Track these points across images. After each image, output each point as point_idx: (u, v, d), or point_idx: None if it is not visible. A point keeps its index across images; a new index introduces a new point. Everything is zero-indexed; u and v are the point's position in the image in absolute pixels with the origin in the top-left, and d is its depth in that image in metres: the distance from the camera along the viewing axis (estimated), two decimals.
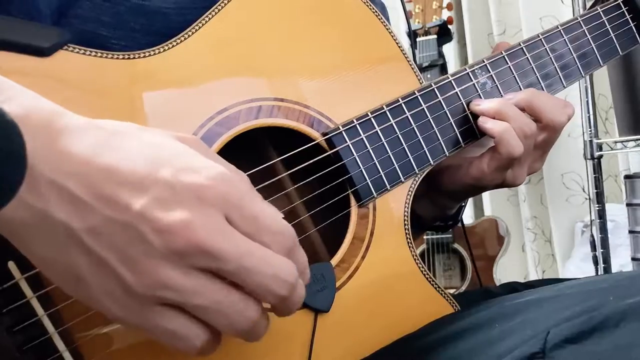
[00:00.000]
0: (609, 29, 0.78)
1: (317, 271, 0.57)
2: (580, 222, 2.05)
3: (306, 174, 0.60)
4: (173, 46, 0.56)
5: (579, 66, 0.75)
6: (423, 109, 0.66)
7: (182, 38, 0.56)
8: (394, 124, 0.64)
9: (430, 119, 0.66)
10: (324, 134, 0.61)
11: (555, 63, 0.74)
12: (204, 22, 0.58)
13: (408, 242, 0.63)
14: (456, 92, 0.68)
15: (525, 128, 0.66)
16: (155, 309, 0.39)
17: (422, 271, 0.63)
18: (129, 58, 0.53)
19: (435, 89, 0.67)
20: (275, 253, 0.40)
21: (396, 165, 0.63)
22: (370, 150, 0.62)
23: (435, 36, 1.93)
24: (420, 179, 0.65)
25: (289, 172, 0.61)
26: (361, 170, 0.61)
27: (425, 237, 2.06)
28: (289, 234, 0.42)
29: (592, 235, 1.82)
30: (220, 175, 0.40)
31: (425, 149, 0.65)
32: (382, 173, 0.62)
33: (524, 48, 0.72)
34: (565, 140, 1.95)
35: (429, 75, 1.86)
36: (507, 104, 0.67)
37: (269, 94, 0.59)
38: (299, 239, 0.61)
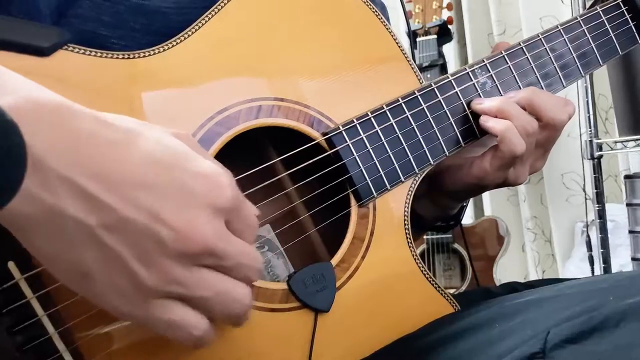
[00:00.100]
0: (609, 28, 0.78)
1: (317, 271, 0.57)
2: (580, 222, 2.05)
3: (306, 173, 0.60)
4: (173, 46, 0.56)
5: (579, 66, 0.75)
6: (423, 108, 0.66)
7: (182, 38, 0.56)
8: (394, 124, 0.64)
9: (430, 119, 0.66)
10: (324, 134, 0.61)
11: (555, 63, 0.74)
12: (203, 21, 0.58)
13: (408, 242, 0.63)
14: (456, 92, 0.68)
15: (527, 126, 0.66)
16: (158, 302, 0.41)
17: (422, 271, 0.63)
18: (128, 58, 0.53)
19: (435, 89, 0.67)
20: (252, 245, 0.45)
21: (396, 165, 0.63)
22: (370, 150, 0.62)
23: (435, 36, 1.93)
24: (421, 178, 0.65)
25: (288, 172, 0.61)
26: (361, 170, 0.61)
27: (425, 237, 2.06)
28: (257, 225, 0.47)
29: (587, 236, 1.83)
30: (227, 181, 0.43)
31: (426, 149, 0.65)
32: (382, 173, 0.62)
33: (523, 48, 0.72)
34: (565, 140, 1.96)
35: (429, 75, 1.86)
36: (508, 102, 0.67)
37: (269, 94, 0.59)
38: (299, 238, 0.62)
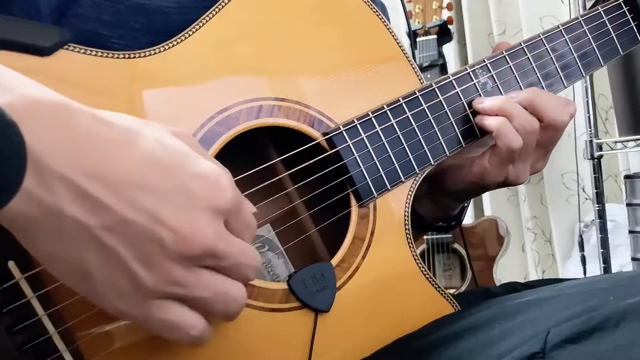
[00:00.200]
0: (610, 28, 0.78)
1: (318, 271, 0.57)
2: (580, 222, 2.05)
3: (306, 174, 0.60)
4: (173, 45, 0.56)
5: (580, 66, 0.75)
6: (424, 108, 0.66)
7: (183, 37, 0.56)
8: (394, 124, 0.64)
9: (431, 119, 0.66)
10: (324, 134, 0.61)
11: (556, 63, 0.74)
12: (204, 21, 0.58)
13: (408, 242, 0.63)
14: (457, 92, 0.68)
15: (527, 125, 0.66)
16: (158, 303, 0.41)
17: (422, 271, 0.63)
18: (129, 57, 0.53)
19: (436, 89, 0.67)
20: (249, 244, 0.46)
21: (397, 165, 0.63)
22: (371, 150, 0.62)
23: (435, 36, 1.93)
24: (421, 179, 0.65)
25: (289, 172, 0.61)
26: (361, 170, 0.61)
27: (425, 237, 2.06)
28: (255, 225, 0.47)
29: (580, 236, 1.83)
30: (228, 182, 0.43)
31: (426, 149, 0.65)
32: (382, 173, 0.62)
33: (524, 48, 0.72)
34: (565, 140, 1.96)
35: (429, 75, 1.86)
36: (510, 101, 0.67)
37: (269, 94, 0.59)
38: (299, 238, 0.62)
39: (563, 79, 0.74)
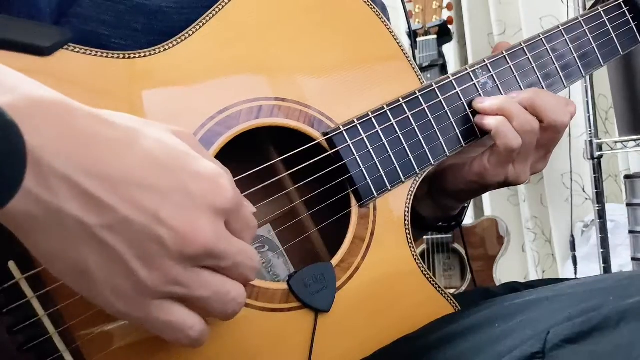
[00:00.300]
0: (610, 28, 0.78)
1: (318, 271, 0.57)
2: (580, 222, 2.06)
3: (307, 174, 0.60)
4: (173, 45, 0.56)
5: (580, 66, 0.75)
6: (424, 108, 0.66)
7: (183, 37, 0.56)
8: (394, 124, 0.64)
9: (431, 119, 0.66)
10: (324, 134, 0.61)
11: (556, 63, 0.74)
12: (204, 21, 0.58)
13: (408, 242, 0.63)
14: (457, 92, 0.68)
15: (527, 125, 0.66)
16: (157, 303, 0.41)
17: (422, 271, 0.63)
18: (129, 57, 0.53)
19: (436, 89, 0.67)
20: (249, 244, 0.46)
21: (397, 165, 0.63)
22: (371, 150, 0.62)
23: (435, 36, 1.93)
24: (421, 179, 0.65)
25: (289, 172, 0.61)
26: (362, 170, 0.61)
27: (425, 237, 2.06)
28: (256, 225, 0.48)
29: (572, 236, 1.84)
30: (228, 182, 0.43)
31: (426, 149, 0.65)
32: (382, 173, 0.62)
33: (524, 48, 0.72)
34: (565, 141, 1.96)
35: (429, 75, 1.86)
36: (510, 101, 0.67)
37: (269, 94, 0.59)
38: (299, 238, 0.62)
39: (563, 79, 0.74)
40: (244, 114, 0.57)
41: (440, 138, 0.66)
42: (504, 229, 2.09)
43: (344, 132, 0.61)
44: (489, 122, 0.67)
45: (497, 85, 0.70)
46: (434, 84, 0.67)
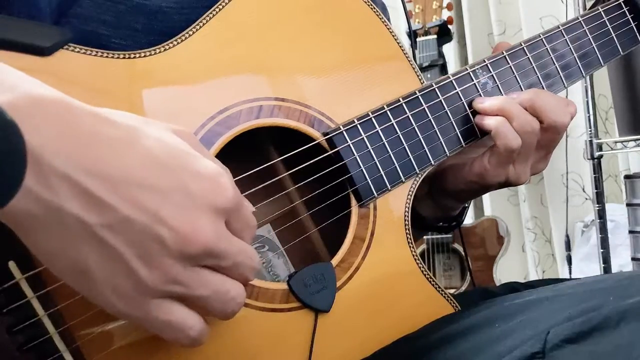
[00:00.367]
0: (610, 28, 0.78)
1: (318, 271, 0.57)
2: (580, 222, 2.06)
3: (307, 174, 0.60)
4: (173, 45, 0.56)
5: (580, 66, 0.75)
6: (424, 108, 0.66)
7: (183, 37, 0.56)
8: (394, 124, 0.64)
9: (431, 119, 0.66)
10: (324, 134, 0.61)
11: (556, 63, 0.74)
12: (204, 21, 0.58)
13: (408, 242, 0.63)
14: (457, 92, 0.68)
15: (527, 126, 0.66)
16: (157, 302, 0.41)
17: (422, 271, 0.63)
18: (129, 57, 0.53)
19: (436, 89, 0.67)
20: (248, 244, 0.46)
21: (397, 165, 0.63)
22: (371, 150, 0.62)
23: (435, 36, 1.93)
24: (421, 179, 0.65)
25: (289, 172, 0.61)
26: (362, 170, 0.61)
27: (425, 237, 2.06)
28: (256, 224, 0.48)
29: (567, 236, 1.84)
30: (228, 182, 0.43)
31: (426, 149, 0.65)
32: (382, 173, 0.62)
33: (525, 48, 0.72)
34: (565, 140, 1.96)
35: (429, 75, 1.86)
36: (510, 102, 0.67)
37: (270, 94, 0.59)
38: (299, 238, 0.62)
39: (563, 79, 0.74)
40: (244, 114, 0.57)
41: (441, 138, 0.66)
42: (504, 229, 2.09)
43: (344, 132, 0.61)
44: (489, 122, 0.67)
45: (497, 85, 0.70)
46: (434, 84, 0.67)
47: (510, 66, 0.71)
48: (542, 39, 0.73)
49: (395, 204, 0.63)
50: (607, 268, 1.67)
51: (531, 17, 2.07)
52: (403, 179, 0.63)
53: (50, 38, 0.50)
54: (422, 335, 0.58)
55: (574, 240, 2.06)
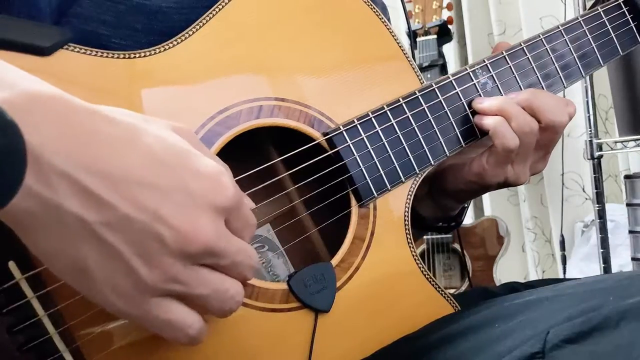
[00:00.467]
0: (610, 29, 0.78)
1: (317, 271, 0.57)
2: (580, 222, 2.05)
3: (307, 174, 0.60)
4: (173, 45, 0.56)
5: (580, 66, 0.75)
6: (424, 108, 0.66)
7: (183, 38, 0.56)
8: (394, 124, 0.64)
9: (431, 119, 0.66)
10: (324, 134, 0.61)
11: (555, 63, 0.74)
12: (204, 21, 0.58)
13: (408, 242, 0.63)
14: (457, 92, 0.68)
15: (526, 126, 0.66)
16: (156, 301, 0.41)
17: (422, 271, 0.63)
18: (129, 57, 0.53)
19: (436, 89, 0.67)
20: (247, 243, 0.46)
21: (397, 165, 0.63)
22: (371, 150, 0.62)
23: (435, 36, 1.93)
24: (421, 179, 0.65)
25: (289, 172, 0.61)
26: (362, 170, 0.61)
27: (425, 237, 2.07)
28: (255, 223, 0.47)
29: (561, 235, 1.84)
30: (229, 180, 0.43)
31: (426, 149, 0.65)
32: (382, 173, 0.62)
33: (524, 48, 0.72)
34: (565, 141, 1.96)
35: (429, 75, 1.86)
36: (509, 102, 0.67)
37: (270, 94, 0.59)
38: (299, 239, 0.62)
39: (563, 79, 0.74)
40: (244, 114, 0.57)
41: (440, 138, 0.66)
42: (504, 229, 2.09)
43: (343, 132, 0.61)
44: (488, 122, 0.67)
45: (497, 85, 0.70)
46: (433, 84, 0.67)
47: (510, 66, 0.71)
48: (541, 39, 0.73)
49: (395, 204, 0.63)
50: (607, 268, 1.67)
51: (531, 17, 2.07)
52: (403, 179, 0.63)
53: (50, 38, 0.50)
54: (422, 335, 0.58)
55: (574, 240, 2.06)
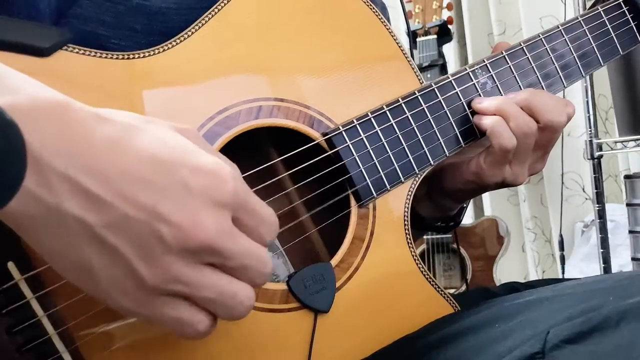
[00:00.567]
0: (610, 28, 0.78)
1: (317, 271, 0.57)
2: (580, 222, 2.05)
3: (306, 174, 0.60)
4: (173, 46, 0.56)
5: (580, 66, 0.75)
6: (423, 109, 0.66)
7: (182, 38, 0.56)
8: (394, 124, 0.64)
9: (431, 119, 0.66)
10: (324, 134, 0.61)
11: (555, 63, 0.74)
12: (203, 22, 0.58)
13: (408, 242, 0.63)
14: (456, 92, 0.68)
15: (525, 127, 0.66)
16: (162, 299, 0.41)
17: (422, 271, 0.63)
18: (128, 58, 0.53)
19: (436, 89, 0.67)
20: (263, 246, 0.44)
21: (396, 166, 0.63)
22: (370, 151, 0.62)
23: (435, 36, 1.93)
24: (421, 179, 0.65)
25: (289, 172, 0.61)
26: (361, 170, 0.61)
27: (425, 237, 2.07)
28: (276, 221, 0.46)
29: (560, 235, 1.85)
30: (229, 174, 0.42)
31: (426, 149, 0.65)
32: (382, 173, 0.62)
33: (524, 48, 0.72)
34: (565, 140, 1.96)
35: (429, 75, 1.86)
36: (508, 102, 0.67)
37: (269, 94, 0.59)
38: (299, 239, 0.62)
39: (563, 79, 0.74)
40: (243, 114, 0.57)
41: (440, 138, 0.66)
42: (504, 229, 2.09)
43: (343, 132, 0.61)
44: (486, 122, 0.67)
45: (497, 85, 0.70)
46: (433, 84, 0.67)
47: (509, 66, 0.71)
48: (541, 38, 0.73)
49: (394, 204, 0.63)
50: (607, 268, 1.67)
51: (531, 17, 2.07)
52: (402, 179, 0.63)
53: (50, 39, 0.50)
54: (421, 335, 0.58)
55: (574, 240, 2.06)
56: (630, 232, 1.56)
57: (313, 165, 0.60)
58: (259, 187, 0.57)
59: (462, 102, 0.68)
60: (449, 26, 1.93)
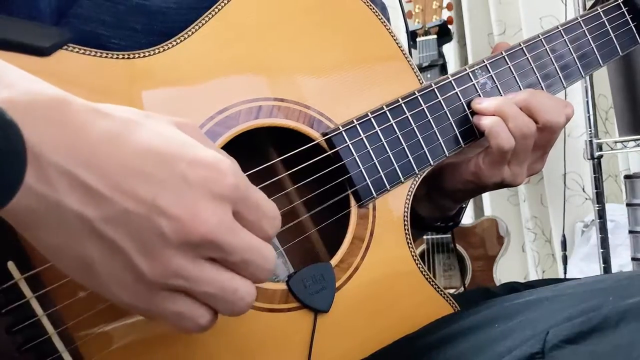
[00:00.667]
0: (609, 29, 0.78)
1: (317, 271, 0.57)
2: (580, 222, 2.05)
3: (306, 174, 0.60)
4: (173, 46, 0.56)
5: (579, 66, 0.75)
6: (423, 109, 0.66)
7: (182, 38, 0.56)
8: (394, 124, 0.64)
9: (430, 119, 0.66)
10: (324, 134, 0.61)
11: (555, 63, 0.74)
12: (203, 21, 0.58)
13: (408, 242, 0.63)
14: (456, 92, 0.68)
15: (524, 128, 0.66)
16: (163, 294, 0.41)
17: (421, 271, 0.63)
18: (128, 58, 0.53)
19: (435, 89, 0.67)
20: (266, 241, 0.44)
21: (396, 166, 0.63)
22: (370, 151, 0.62)
23: (435, 36, 1.93)
24: (420, 179, 0.65)
25: (289, 172, 0.61)
26: (361, 170, 0.61)
27: (425, 237, 2.07)
28: (278, 215, 0.45)
29: (563, 235, 1.84)
30: (228, 168, 0.42)
31: (425, 149, 0.65)
32: (381, 173, 0.62)
33: (524, 48, 0.72)
34: (565, 140, 1.96)
35: (428, 75, 1.86)
36: (507, 102, 0.67)
37: (269, 94, 0.59)
38: (299, 239, 0.62)
39: (562, 79, 0.74)
40: (243, 114, 0.57)
41: (440, 138, 0.66)
42: (504, 229, 2.09)
43: (343, 132, 0.61)
44: (485, 122, 0.67)
45: (497, 85, 0.70)
46: (433, 85, 0.67)
47: (509, 66, 0.71)
48: (541, 39, 0.73)
49: (394, 204, 0.63)
50: (607, 268, 1.67)
51: (531, 17, 2.07)
52: (402, 179, 0.63)
53: (50, 38, 0.50)
54: (421, 335, 0.58)
55: (574, 240, 2.06)
56: (630, 232, 1.56)
57: (313, 165, 0.60)
58: (259, 187, 0.57)
59: (462, 103, 0.68)
60: (449, 26, 1.94)
